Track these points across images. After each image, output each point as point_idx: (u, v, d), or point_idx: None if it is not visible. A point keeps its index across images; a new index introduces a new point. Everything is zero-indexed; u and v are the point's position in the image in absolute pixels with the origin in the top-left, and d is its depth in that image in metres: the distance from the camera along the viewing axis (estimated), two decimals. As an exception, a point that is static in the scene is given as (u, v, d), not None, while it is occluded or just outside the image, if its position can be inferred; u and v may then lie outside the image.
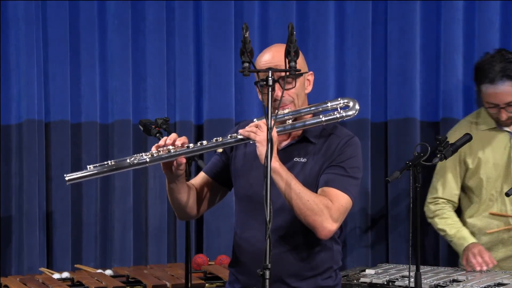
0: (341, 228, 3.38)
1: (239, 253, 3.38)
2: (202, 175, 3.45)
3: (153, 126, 4.43)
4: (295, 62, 3.09)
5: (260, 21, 5.54)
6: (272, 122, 3.05)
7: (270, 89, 3.07)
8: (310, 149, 3.30)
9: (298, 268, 3.29)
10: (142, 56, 5.46)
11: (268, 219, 2.90)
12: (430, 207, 5.18)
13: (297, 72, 3.15)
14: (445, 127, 5.56)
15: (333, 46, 5.59)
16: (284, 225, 3.27)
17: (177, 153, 3.19)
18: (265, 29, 5.54)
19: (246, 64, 3.07)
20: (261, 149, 3.13)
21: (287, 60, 3.08)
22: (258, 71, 3.13)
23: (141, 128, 4.50)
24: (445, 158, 4.69)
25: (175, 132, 5.28)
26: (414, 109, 5.60)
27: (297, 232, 3.26)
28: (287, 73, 3.10)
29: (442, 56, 5.59)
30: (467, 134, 5.02)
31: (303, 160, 3.29)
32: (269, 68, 3.12)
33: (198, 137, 5.48)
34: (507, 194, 4.60)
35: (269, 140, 2.99)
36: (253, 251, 3.30)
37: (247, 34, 3.02)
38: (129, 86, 5.44)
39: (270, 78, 3.08)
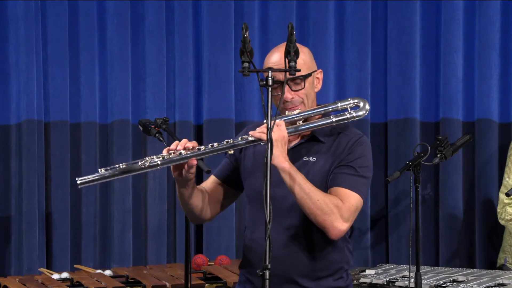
0: (352, 227, 3.36)
1: (249, 254, 3.36)
2: (212, 179, 3.44)
3: (153, 126, 4.41)
4: (295, 62, 3.08)
5: (260, 21, 5.54)
6: (273, 122, 3.04)
7: (270, 89, 3.07)
8: (320, 148, 3.29)
9: (310, 268, 3.27)
10: (142, 56, 5.45)
11: (268, 219, 2.89)
12: (508, 210, 5.06)
13: (300, 70, 3.13)
14: (445, 127, 5.56)
15: (333, 45, 5.58)
16: (294, 224, 3.26)
17: (188, 155, 3.18)
18: (265, 29, 5.54)
19: (246, 64, 3.05)
20: (273, 150, 3.12)
21: (287, 60, 3.08)
22: (258, 71, 3.12)
23: (141, 128, 4.49)
24: (445, 158, 4.70)
25: (174, 132, 5.32)
26: (414, 109, 5.59)
27: (308, 232, 3.25)
28: (290, 73, 3.09)
29: (442, 56, 5.59)
30: (467, 134, 5.02)
31: (312, 159, 3.28)
32: (269, 68, 3.11)
33: (198, 137, 5.48)
34: (508, 194, 4.60)
35: (269, 140, 2.98)
36: (261, 251, 3.29)
37: (246, 34, 3.01)
38: (129, 86, 5.43)
39: (270, 78, 3.08)
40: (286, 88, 3.19)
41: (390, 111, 5.63)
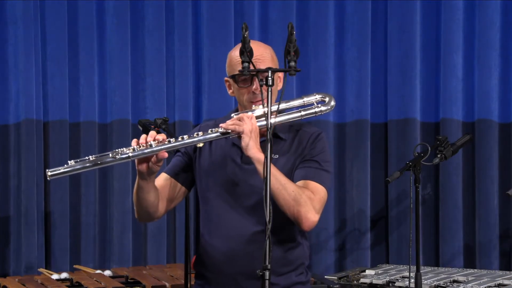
0: None
1: (206, 255, 3.34)
2: (164, 176, 3.42)
3: (152, 126, 4.41)
4: (295, 62, 3.08)
5: (260, 21, 5.53)
6: (248, 116, 3.06)
7: (270, 89, 3.07)
8: (281, 145, 3.32)
9: (274, 265, 3.27)
10: (141, 55, 5.44)
11: (268, 219, 2.90)
12: None
13: (301, 70, 3.14)
14: (445, 127, 5.55)
15: (333, 45, 5.57)
16: (260, 221, 3.25)
17: (159, 147, 3.18)
18: (265, 29, 5.53)
19: (246, 64, 3.06)
20: (247, 140, 3.14)
21: (287, 60, 3.08)
22: (258, 71, 3.12)
23: (140, 128, 4.48)
24: (445, 158, 4.69)
25: (174, 132, 5.32)
26: (414, 109, 5.58)
27: (274, 228, 3.24)
28: (290, 73, 3.09)
29: (442, 56, 5.58)
30: (467, 134, 5.02)
31: (274, 156, 3.30)
32: (269, 68, 3.11)
33: (198, 137, 5.46)
34: (508, 195, 4.59)
35: (269, 140, 2.98)
36: (218, 253, 3.29)
37: (246, 34, 3.01)
38: (128, 86, 5.42)
39: (270, 78, 3.08)
40: (256, 80, 3.21)
41: (390, 111, 5.62)
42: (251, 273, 3.20)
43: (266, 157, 2.97)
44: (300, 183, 3.24)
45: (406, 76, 5.57)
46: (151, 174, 3.23)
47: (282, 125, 3.32)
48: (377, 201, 5.65)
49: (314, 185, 3.24)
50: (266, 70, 3.10)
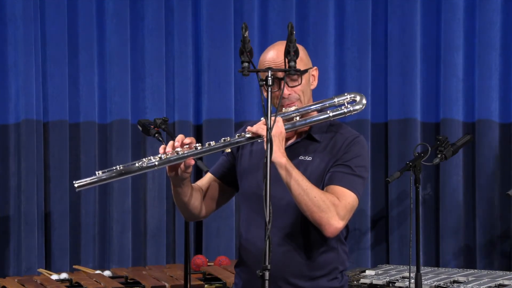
0: (348, 228, 3.35)
1: (243, 253, 3.35)
2: (209, 176, 3.42)
3: (152, 126, 4.40)
4: (295, 62, 3.07)
5: (260, 21, 5.53)
6: (273, 120, 3.03)
7: (269, 89, 3.06)
8: (316, 147, 3.28)
9: (304, 268, 3.26)
10: (141, 55, 5.44)
11: (267, 219, 2.88)
12: None
13: (301, 70, 3.13)
14: (445, 128, 5.55)
15: (333, 45, 5.57)
16: (290, 224, 3.24)
17: (185, 154, 3.16)
18: (265, 28, 5.53)
19: (246, 64, 3.04)
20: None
21: (286, 60, 3.07)
22: (257, 71, 3.11)
23: (140, 128, 4.48)
24: (446, 158, 4.69)
25: (174, 132, 5.31)
26: (415, 109, 5.58)
27: (303, 232, 3.24)
28: (289, 72, 3.08)
29: (443, 55, 5.58)
30: (467, 134, 5.02)
31: (308, 158, 3.27)
32: (269, 68, 3.10)
33: (197, 137, 5.47)
34: (508, 195, 4.59)
35: (269, 140, 2.97)
36: (256, 250, 3.27)
37: (246, 34, 3.00)
38: (128, 86, 5.42)
39: (269, 78, 3.07)
40: (282, 84, 3.18)
41: (390, 111, 5.62)
42: (280, 276, 3.21)
43: (266, 156, 2.96)
44: (327, 187, 3.19)
45: (406, 76, 5.57)
46: (183, 180, 3.22)
47: (319, 126, 3.28)
48: (377, 201, 5.65)
49: (341, 190, 3.17)
50: (266, 70, 3.09)
